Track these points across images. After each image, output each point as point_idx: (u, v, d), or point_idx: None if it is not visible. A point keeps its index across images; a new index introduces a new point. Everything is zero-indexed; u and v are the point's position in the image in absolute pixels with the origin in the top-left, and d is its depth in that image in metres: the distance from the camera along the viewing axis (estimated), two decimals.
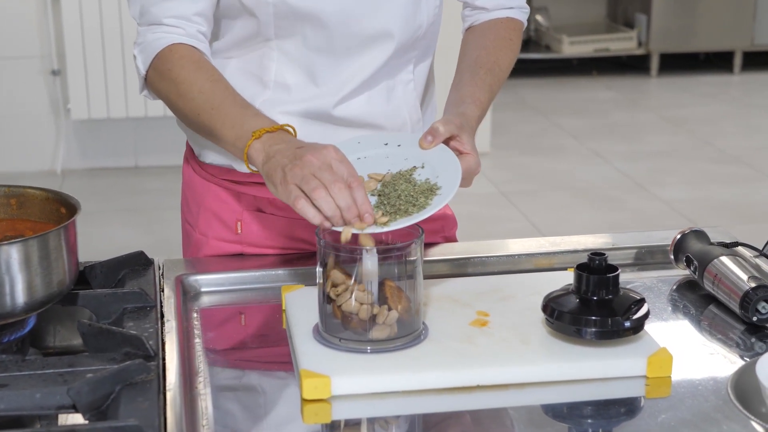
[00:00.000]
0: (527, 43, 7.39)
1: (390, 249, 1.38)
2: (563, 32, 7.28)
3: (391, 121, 1.72)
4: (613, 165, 5.59)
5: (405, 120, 1.73)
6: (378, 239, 1.42)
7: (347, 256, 1.38)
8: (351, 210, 1.39)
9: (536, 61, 7.37)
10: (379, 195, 1.46)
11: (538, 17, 7.45)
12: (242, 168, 1.64)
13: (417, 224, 1.42)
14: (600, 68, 7.53)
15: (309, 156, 1.42)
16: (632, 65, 7.58)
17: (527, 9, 1.83)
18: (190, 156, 1.81)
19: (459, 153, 1.54)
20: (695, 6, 7.29)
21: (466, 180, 1.54)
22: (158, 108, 5.30)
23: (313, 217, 1.40)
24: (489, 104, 1.70)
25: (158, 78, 1.61)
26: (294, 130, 1.53)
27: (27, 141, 5.39)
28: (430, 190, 1.47)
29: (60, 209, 1.46)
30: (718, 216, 4.86)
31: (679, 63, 7.57)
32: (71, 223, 1.39)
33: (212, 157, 1.74)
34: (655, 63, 7.41)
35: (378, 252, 1.37)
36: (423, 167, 1.52)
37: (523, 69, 7.26)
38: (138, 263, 1.59)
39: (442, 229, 1.85)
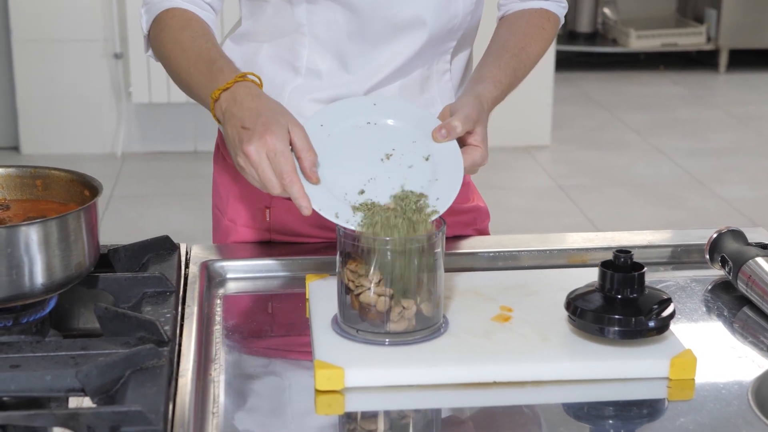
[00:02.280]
0: (594, 36, 7.30)
1: (411, 240, 1.36)
2: (631, 26, 7.19)
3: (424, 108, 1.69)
4: (675, 161, 5.51)
5: (438, 109, 1.70)
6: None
7: (367, 246, 1.36)
8: (276, 185, 1.41)
9: (602, 55, 7.28)
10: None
11: (606, 10, 7.36)
12: None
13: (441, 216, 1.40)
14: (667, 63, 7.42)
15: (247, 147, 1.40)
16: (700, 61, 7.47)
17: (565, 5, 1.79)
18: (221, 143, 1.80)
19: (467, 145, 1.51)
20: (765, 1, 7.15)
21: (469, 172, 1.52)
22: None
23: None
24: (510, 88, 1.66)
25: (154, 39, 1.63)
26: (257, 79, 1.50)
27: (88, 124, 5.44)
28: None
29: (84, 191, 1.45)
30: None
31: (748, 59, 7.43)
32: (91, 206, 1.38)
33: None
34: (723, 59, 7.29)
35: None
36: (427, 159, 1.48)
37: (588, 62, 7.18)
38: (163, 247, 1.58)
39: (474, 221, 1.82)
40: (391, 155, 1.48)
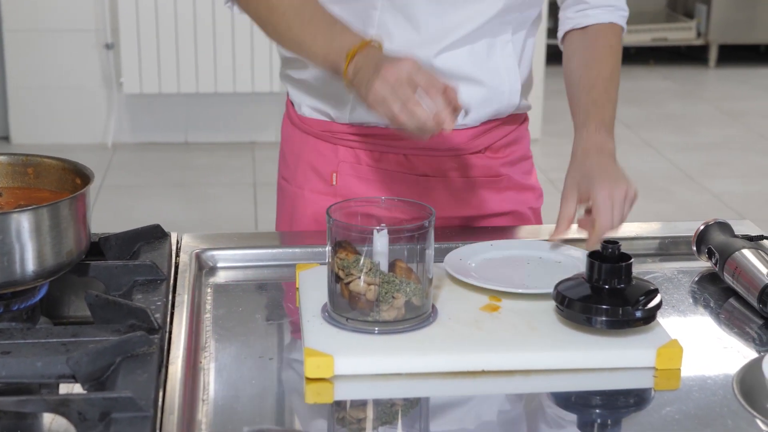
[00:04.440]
0: None
1: (401, 230, 1.37)
2: None
3: (491, 78, 1.73)
4: (665, 156, 5.53)
5: (503, 79, 1.73)
6: (390, 221, 1.41)
7: (357, 235, 1.37)
8: (429, 122, 1.44)
9: None
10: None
11: None
12: (341, 118, 1.74)
13: (428, 205, 1.41)
14: (657, 58, 7.45)
15: (385, 71, 1.45)
16: (690, 56, 7.49)
17: (626, 10, 1.80)
18: (290, 110, 1.84)
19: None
20: None
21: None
22: (209, 84, 5.32)
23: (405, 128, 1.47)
24: (614, 111, 1.76)
25: None
26: (380, 42, 1.55)
27: (79, 114, 5.44)
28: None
29: (75, 180, 1.46)
30: None
31: (738, 55, 7.46)
32: (83, 194, 1.39)
33: (311, 111, 1.78)
34: (713, 54, 7.31)
35: (389, 232, 1.36)
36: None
37: None
38: (154, 236, 1.59)
39: (529, 199, 1.87)
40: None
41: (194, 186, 4.98)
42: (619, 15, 1.79)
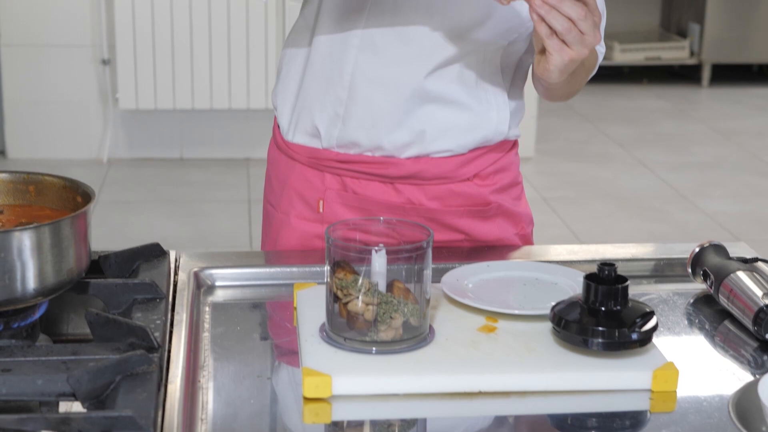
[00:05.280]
0: None
1: (399, 250, 1.38)
2: (615, 39, 7.24)
3: (479, 105, 1.73)
4: (659, 175, 5.55)
5: (492, 107, 1.74)
6: (388, 241, 1.41)
7: (356, 255, 1.38)
8: None
9: None
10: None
11: None
12: (330, 138, 1.73)
13: (426, 227, 1.42)
14: (651, 77, 7.48)
15: None
16: (684, 75, 7.53)
17: (604, 48, 1.79)
18: (277, 135, 1.84)
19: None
20: (749, 17, 7.21)
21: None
22: (205, 101, 5.34)
23: None
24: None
25: None
26: None
27: (75, 129, 5.45)
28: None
29: (76, 197, 1.47)
30: (762, 230, 4.81)
31: (731, 74, 7.50)
32: (84, 212, 1.40)
33: (299, 136, 1.78)
34: (706, 73, 7.35)
35: (387, 253, 1.37)
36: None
37: None
38: (153, 254, 1.59)
39: (519, 225, 1.85)
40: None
41: (189, 202, 4.99)
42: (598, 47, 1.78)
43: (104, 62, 5.36)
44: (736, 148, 6.08)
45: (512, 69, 1.76)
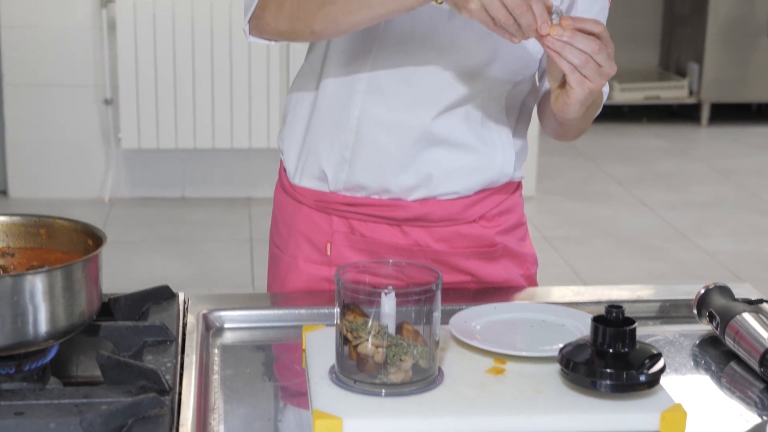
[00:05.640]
0: None
1: (408, 293, 1.39)
2: (614, 79, 7.26)
3: (485, 147, 1.75)
4: (659, 214, 5.57)
5: (497, 149, 1.76)
6: (397, 284, 1.43)
7: (365, 297, 1.39)
8: (531, 28, 1.43)
9: None
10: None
11: None
12: (337, 181, 1.74)
13: (435, 269, 1.43)
14: (650, 116, 7.51)
15: None
16: (683, 114, 7.56)
17: (607, 88, 1.80)
18: (283, 178, 1.85)
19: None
20: (748, 56, 7.26)
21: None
22: (206, 140, 5.36)
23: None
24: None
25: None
26: None
27: (77, 168, 5.47)
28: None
29: (87, 241, 1.48)
30: (762, 269, 4.82)
31: (730, 113, 7.53)
32: (95, 256, 1.41)
33: (306, 180, 1.79)
34: (705, 112, 7.38)
35: (396, 295, 1.38)
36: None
37: None
38: (162, 296, 1.61)
39: (523, 266, 1.86)
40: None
41: (191, 241, 5.00)
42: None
43: (107, 102, 5.39)
44: (735, 187, 6.10)
45: (517, 111, 1.78)
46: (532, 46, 1.65)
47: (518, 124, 1.79)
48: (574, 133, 1.79)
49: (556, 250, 4.93)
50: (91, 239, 1.48)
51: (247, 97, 5.36)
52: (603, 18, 1.73)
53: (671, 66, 7.64)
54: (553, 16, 1.45)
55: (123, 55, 5.24)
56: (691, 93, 7.36)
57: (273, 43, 1.66)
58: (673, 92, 7.34)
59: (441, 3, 1.48)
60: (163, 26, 5.24)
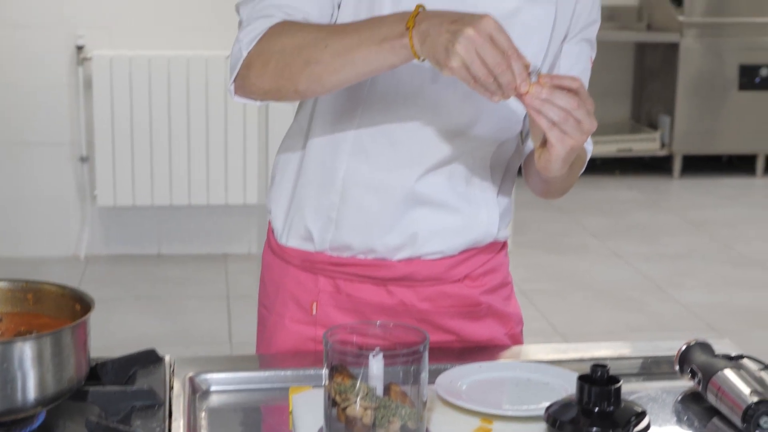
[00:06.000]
0: None
1: (396, 354, 1.40)
2: None
3: (469, 208, 1.77)
4: (633, 266, 5.60)
5: (481, 209, 1.78)
6: (384, 345, 1.44)
7: (353, 359, 1.40)
8: (510, 86, 1.43)
9: None
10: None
11: None
12: (323, 241, 1.75)
13: (422, 330, 1.44)
14: (623, 168, 7.58)
15: (469, 32, 1.41)
16: (655, 166, 7.63)
17: (591, 146, 1.83)
18: (271, 239, 1.87)
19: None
20: (718, 109, 7.36)
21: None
22: (183, 197, 5.37)
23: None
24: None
25: (267, 43, 1.59)
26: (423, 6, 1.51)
27: (52, 226, 5.46)
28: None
29: (75, 305, 1.49)
30: (736, 321, 4.85)
31: (701, 165, 7.61)
32: (83, 322, 1.42)
33: (292, 240, 1.80)
34: (677, 164, 7.46)
35: (384, 357, 1.39)
36: None
37: None
38: (149, 360, 1.61)
39: (508, 325, 1.87)
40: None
41: (167, 299, 4.99)
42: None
43: (83, 159, 5.39)
44: (707, 238, 6.15)
45: (502, 170, 1.80)
46: (516, 105, 1.67)
47: (503, 183, 1.81)
48: (560, 191, 1.82)
49: (533, 303, 4.95)
50: (78, 304, 1.48)
51: (224, 153, 5.38)
52: (585, 78, 1.76)
53: (643, 119, 7.72)
54: (532, 75, 1.48)
55: (99, 113, 5.25)
56: (662, 145, 7.44)
57: (259, 103, 1.67)
58: (645, 144, 7.42)
59: (423, 60, 1.49)
60: (139, 83, 5.27)
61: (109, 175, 5.32)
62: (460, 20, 1.42)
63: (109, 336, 4.38)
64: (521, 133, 1.80)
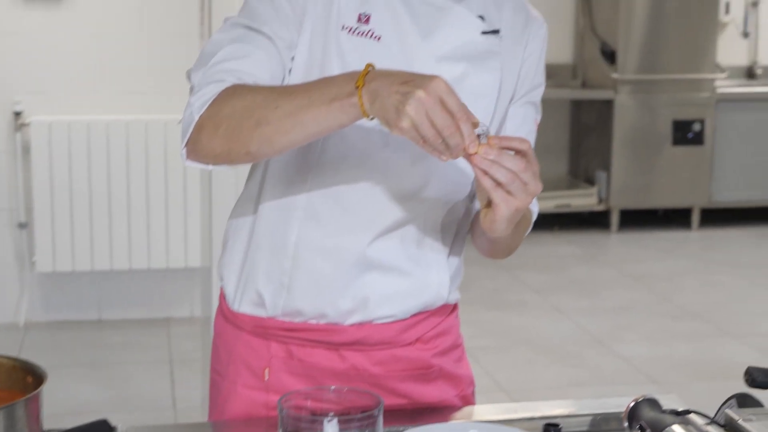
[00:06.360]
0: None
1: (350, 419, 1.41)
2: None
3: (420, 271, 1.78)
4: (574, 320, 5.65)
5: (432, 272, 1.80)
6: (338, 409, 1.45)
7: (308, 425, 1.41)
8: (459, 147, 1.44)
9: None
10: None
11: None
12: (275, 306, 1.76)
13: (376, 394, 1.45)
14: (561, 224, 7.66)
15: (420, 94, 1.42)
16: (593, 221, 7.73)
17: (536, 207, 1.87)
18: (223, 305, 1.87)
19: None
20: (654, 164, 7.49)
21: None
22: (123, 261, 5.33)
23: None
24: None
25: (218, 106, 1.60)
26: (373, 65, 1.51)
27: None
28: None
29: (27, 378, 1.48)
30: (677, 373, 4.91)
31: (638, 219, 7.72)
32: (36, 395, 1.41)
33: (244, 306, 1.81)
34: (614, 219, 7.56)
35: (338, 422, 1.40)
36: None
37: None
38: (101, 431, 1.60)
39: (459, 386, 1.89)
40: None
41: (109, 365, 4.94)
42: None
43: (21, 225, 5.34)
44: (646, 292, 6.23)
45: (452, 232, 1.82)
46: (466, 166, 1.69)
47: (453, 245, 1.83)
48: (506, 251, 1.84)
49: (476, 360, 4.97)
50: (31, 376, 1.48)
51: (164, 216, 5.37)
52: (531, 140, 1.79)
53: (580, 174, 7.83)
54: (481, 136, 1.50)
55: (37, 178, 5.22)
56: (600, 200, 7.54)
57: (211, 167, 1.66)
58: (583, 200, 7.52)
59: (372, 119, 1.49)
60: (77, 148, 5.25)
61: (48, 241, 5.28)
62: (410, 81, 1.44)
63: (51, 404, 4.30)
64: (470, 193, 1.83)
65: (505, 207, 1.51)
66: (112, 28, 5.32)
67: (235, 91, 1.60)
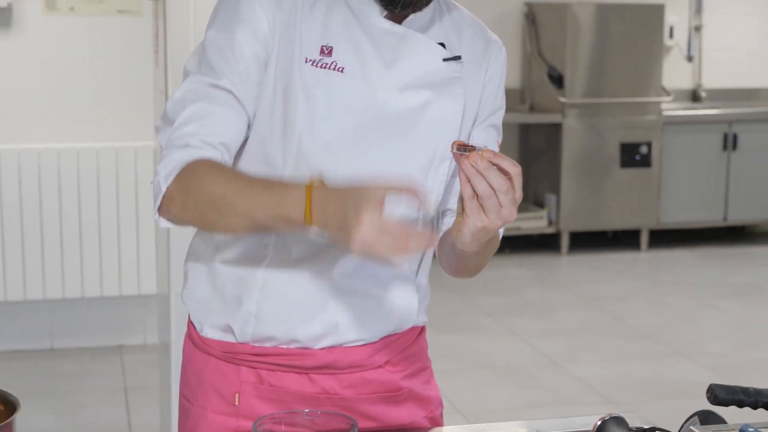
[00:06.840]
0: None
1: None
2: None
3: (388, 295, 1.80)
4: (529, 342, 5.69)
5: (400, 295, 1.81)
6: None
7: None
8: (415, 253, 1.48)
9: None
10: None
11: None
12: (244, 333, 1.76)
13: (350, 417, 1.46)
14: (512, 246, 7.71)
15: (357, 235, 1.44)
16: (543, 243, 7.79)
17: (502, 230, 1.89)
18: (192, 331, 1.86)
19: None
20: (602, 186, 7.57)
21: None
22: (76, 289, 5.30)
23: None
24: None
25: (183, 181, 1.62)
26: (321, 179, 1.54)
27: None
28: None
29: None
30: (632, 393, 4.95)
31: (588, 241, 7.80)
32: (8, 423, 1.40)
33: (213, 332, 1.81)
34: (565, 241, 7.63)
35: None
36: None
37: None
38: None
39: (428, 408, 1.90)
40: None
41: (63, 394, 4.89)
42: None
43: None
44: (598, 312, 6.28)
45: (419, 257, 1.84)
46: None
47: (421, 267, 1.85)
48: (473, 270, 1.86)
49: None
50: (2, 405, 1.47)
51: (116, 243, 5.34)
52: None
53: (530, 197, 7.88)
54: (477, 149, 1.52)
55: None
56: (550, 223, 7.60)
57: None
58: (533, 223, 7.58)
59: (321, 236, 1.54)
60: (28, 177, 5.21)
61: None
62: (345, 226, 1.46)
63: None
64: (437, 212, 1.84)
65: (473, 220, 1.53)
66: (62, 56, 5.30)
67: (198, 173, 1.61)
